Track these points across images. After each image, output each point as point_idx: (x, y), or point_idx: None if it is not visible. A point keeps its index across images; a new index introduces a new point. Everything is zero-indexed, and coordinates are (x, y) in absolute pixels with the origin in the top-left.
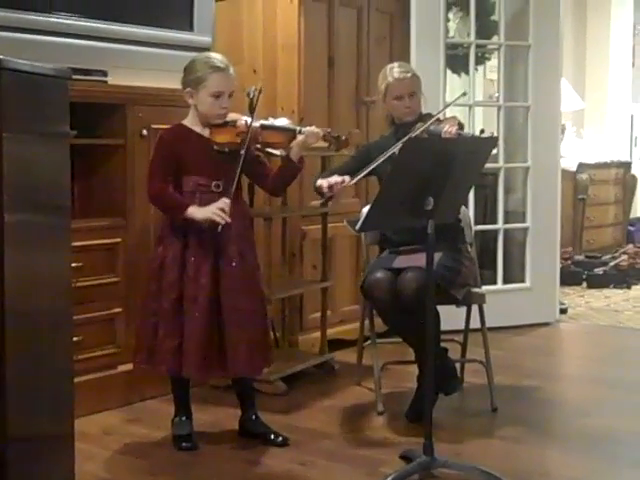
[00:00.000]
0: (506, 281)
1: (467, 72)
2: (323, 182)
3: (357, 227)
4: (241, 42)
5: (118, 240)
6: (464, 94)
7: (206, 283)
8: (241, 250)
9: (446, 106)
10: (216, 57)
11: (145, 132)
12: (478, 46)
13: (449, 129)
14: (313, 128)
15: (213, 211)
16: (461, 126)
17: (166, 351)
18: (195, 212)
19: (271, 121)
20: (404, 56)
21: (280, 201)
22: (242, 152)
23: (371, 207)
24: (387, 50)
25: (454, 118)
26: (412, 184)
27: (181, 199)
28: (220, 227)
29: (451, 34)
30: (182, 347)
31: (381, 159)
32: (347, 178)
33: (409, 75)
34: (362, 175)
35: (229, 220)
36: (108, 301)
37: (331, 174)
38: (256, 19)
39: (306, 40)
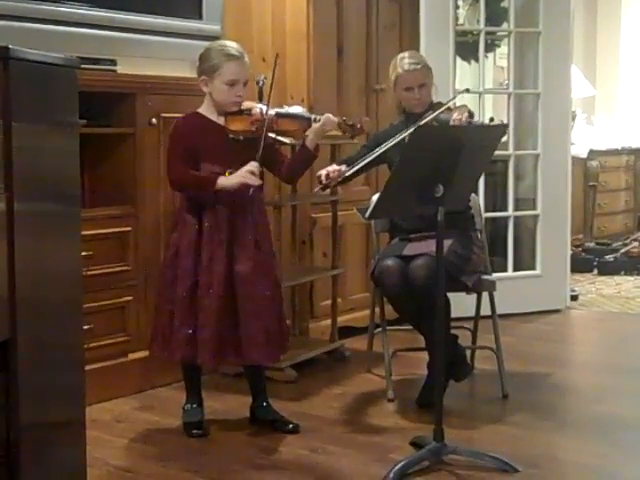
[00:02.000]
0: (516, 268)
1: (477, 59)
2: (322, 171)
3: (367, 214)
4: (250, 30)
5: (128, 229)
6: (467, 90)
7: (220, 271)
8: (257, 237)
9: (454, 97)
10: (231, 45)
11: (154, 121)
12: (488, 33)
13: (458, 117)
14: (329, 115)
15: (243, 175)
16: (471, 114)
17: (181, 339)
18: (225, 182)
19: (286, 109)
20: (414, 43)
21: (290, 189)
22: (262, 139)
23: (381, 194)
24: (396, 37)
25: (464, 107)
26: (422, 171)
27: (208, 175)
28: (251, 190)
29: (461, 21)
30: (197, 335)
31: (383, 148)
32: (344, 167)
33: (419, 67)
34: (360, 166)
35: (260, 182)
36: (119, 289)
37: (343, 163)
38: (265, 7)
39: (315, 28)
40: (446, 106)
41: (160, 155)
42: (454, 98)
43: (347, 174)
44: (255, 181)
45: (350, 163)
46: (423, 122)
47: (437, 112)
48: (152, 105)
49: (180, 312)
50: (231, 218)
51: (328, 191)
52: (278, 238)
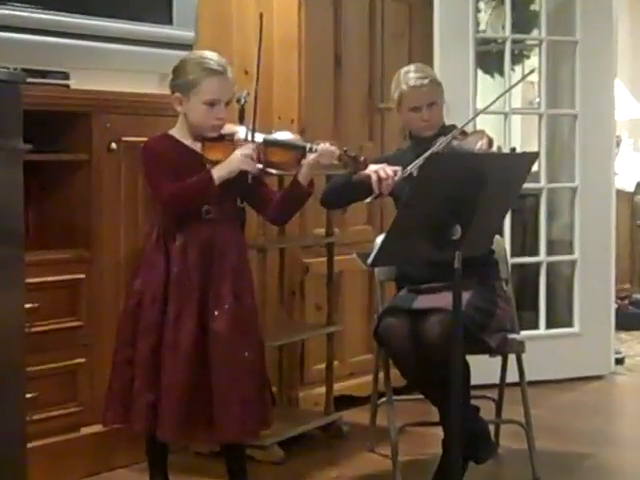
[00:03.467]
0: (550, 325)
1: (502, 73)
2: (370, 172)
3: (369, 261)
4: (230, 38)
5: (81, 276)
6: (493, 102)
7: (190, 327)
8: (236, 288)
9: (477, 113)
10: (212, 57)
11: (114, 146)
12: (515, 42)
13: (480, 147)
14: (327, 145)
15: (240, 159)
16: (490, 142)
17: (142, 407)
18: (220, 172)
19: (275, 135)
20: (426, 54)
21: (277, 229)
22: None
23: (386, 237)
24: (405, 47)
25: (482, 132)
26: (435, 209)
27: (199, 176)
28: (250, 177)
29: (482, 27)
30: (160, 402)
31: (401, 174)
32: (399, 171)
33: (427, 81)
34: (412, 168)
35: (260, 167)
36: (69, 350)
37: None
38: (248, 10)
39: (308, 35)
40: (461, 128)
41: (121, 186)
42: (474, 118)
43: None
44: (254, 167)
45: None
46: (436, 149)
47: (449, 137)
48: (112, 127)
49: (141, 374)
50: (204, 263)
51: (323, 231)
52: (262, 288)
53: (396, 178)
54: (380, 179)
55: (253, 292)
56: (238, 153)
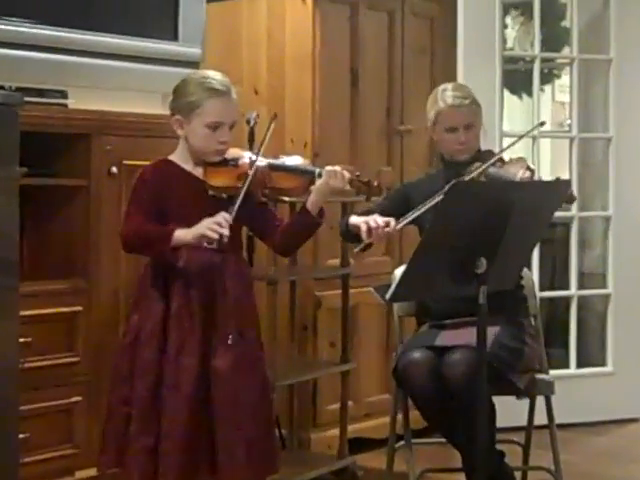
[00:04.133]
0: (581, 364)
1: (530, 93)
2: (360, 222)
3: (387, 295)
4: (239, 55)
5: (79, 308)
6: (542, 124)
7: (192, 365)
8: (240, 323)
9: (519, 138)
10: (215, 77)
11: (114, 170)
12: (544, 60)
13: (523, 176)
14: (336, 168)
15: (207, 226)
16: (532, 173)
17: (140, 451)
18: (183, 235)
19: (283, 160)
20: (449, 72)
21: (288, 260)
22: (240, 193)
23: (406, 269)
24: (427, 65)
25: (523, 160)
26: (459, 240)
27: (162, 228)
28: (216, 243)
29: (510, 45)
30: (160, 446)
31: (428, 204)
32: (392, 222)
33: (467, 102)
34: (409, 220)
35: (227, 234)
36: (65, 387)
37: (362, 215)
38: (259, 26)
39: (323, 51)
40: (499, 155)
41: (121, 213)
42: (517, 142)
43: (397, 228)
44: (217, 234)
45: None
46: (469, 177)
47: (488, 163)
48: (112, 150)
49: (139, 416)
50: (207, 297)
51: (338, 262)
52: (272, 322)
53: (388, 229)
54: (369, 229)
55: (258, 327)
56: (209, 220)
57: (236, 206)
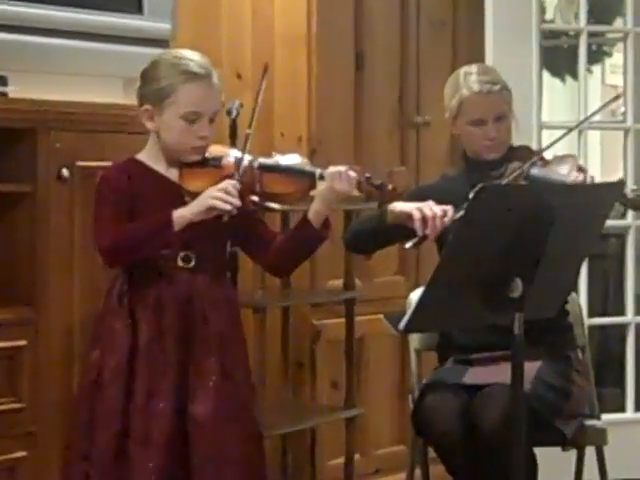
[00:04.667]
0: None
1: (575, 75)
2: (411, 209)
3: (401, 325)
4: (218, 31)
5: (23, 343)
6: (617, 97)
7: (165, 412)
8: (223, 361)
9: (565, 134)
10: (192, 58)
11: (66, 173)
12: (592, 34)
13: (576, 178)
14: (341, 168)
15: (213, 195)
16: (583, 172)
17: None
18: (184, 213)
19: (277, 159)
20: (475, 51)
21: (280, 282)
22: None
23: (423, 293)
24: (448, 41)
25: (572, 157)
26: (488, 257)
27: (153, 216)
28: (226, 216)
29: (549, 16)
30: None
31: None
32: (450, 210)
33: (497, 87)
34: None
35: (239, 204)
36: (6, 440)
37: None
38: None
39: (320, 28)
40: (545, 149)
41: (75, 226)
42: (563, 137)
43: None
44: (228, 204)
45: None
46: (507, 181)
47: (529, 162)
48: (62, 148)
49: (101, 474)
50: (182, 327)
51: (340, 283)
52: (261, 358)
53: (446, 219)
54: (425, 218)
55: (247, 365)
56: (213, 189)
57: (241, 170)
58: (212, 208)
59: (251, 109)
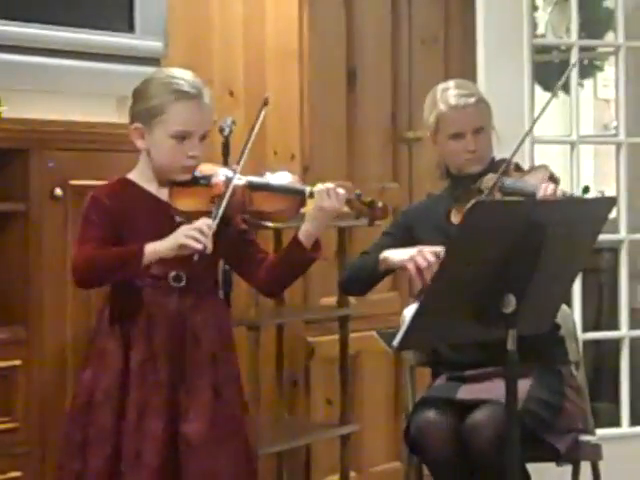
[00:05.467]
0: (635, 421)
1: (567, 90)
2: (405, 262)
3: (395, 342)
4: (210, 50)
5: (17, 363)
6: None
7: (157, 431)
8: (216, 379)
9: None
10: (183, 77)
11: (59, 192)
12: (584, 49)
13: (546, 188)
14: (330, 186)
15: (186, 233)
16: (555, 181)
17: None
18: (156, 248)
19: (267, 177)
20: (467, 66)
21: (273, 299)
22: (215, 215)
23: (417, 310)
24: (440, 58)
25: (544, 168)
26: (481, 273)
27: (127, 247)
28: (196, 256)
29: (541, 30)
30: None
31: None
32: (442, 250)
33: (472, 100)
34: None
35: (211, 245)
36: (1, 460)
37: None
38: (233, 15)
39: (312, 44)
40: (510, 158)
41: (68, 246)
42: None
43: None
44: (200, 244)
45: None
46: (484, 197)
47: (498, 174)
48: (56, 167)
49: None
50: (174, 347)
51: (334, 300)
52: (255, 376)
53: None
54: (419, 269)
55: (239, 383)
56: (187, 227)
57: (220, 211)
58: (184, 246)
59: (244, 141)
